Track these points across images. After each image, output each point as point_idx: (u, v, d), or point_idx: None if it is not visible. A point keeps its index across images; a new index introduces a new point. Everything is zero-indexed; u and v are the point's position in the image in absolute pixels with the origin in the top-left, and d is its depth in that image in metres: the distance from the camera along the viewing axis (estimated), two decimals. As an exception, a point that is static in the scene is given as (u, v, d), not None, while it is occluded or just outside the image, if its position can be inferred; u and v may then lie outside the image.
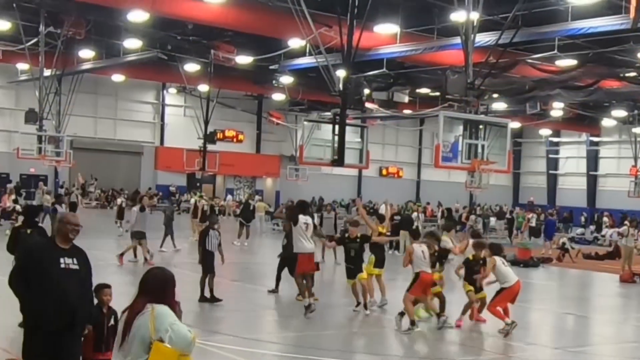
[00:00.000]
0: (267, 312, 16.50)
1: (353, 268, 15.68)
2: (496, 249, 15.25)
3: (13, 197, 38.23)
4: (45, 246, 7.28)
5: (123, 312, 5.58)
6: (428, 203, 56.88)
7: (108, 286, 8.82)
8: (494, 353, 13.44)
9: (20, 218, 18.37)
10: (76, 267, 7.15)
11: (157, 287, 5.54)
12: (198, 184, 54.26)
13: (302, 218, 15.20)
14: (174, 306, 5.51)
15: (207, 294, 16.33)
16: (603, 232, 46.34)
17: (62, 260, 7.07)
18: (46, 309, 6.92)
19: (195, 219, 32.37)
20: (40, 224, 14.40)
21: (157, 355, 5.21)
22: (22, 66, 43.11)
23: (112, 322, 8.32)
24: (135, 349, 5.32)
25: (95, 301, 8.21)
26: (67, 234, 7.22)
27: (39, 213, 17.02)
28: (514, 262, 28.73)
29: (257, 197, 42.82)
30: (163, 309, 5.39)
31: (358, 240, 15.69)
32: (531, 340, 14.77)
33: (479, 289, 15.43)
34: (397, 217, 30.70)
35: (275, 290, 17.92)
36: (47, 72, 38.14)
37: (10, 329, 13.30)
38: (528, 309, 19.55)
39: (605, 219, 52.60)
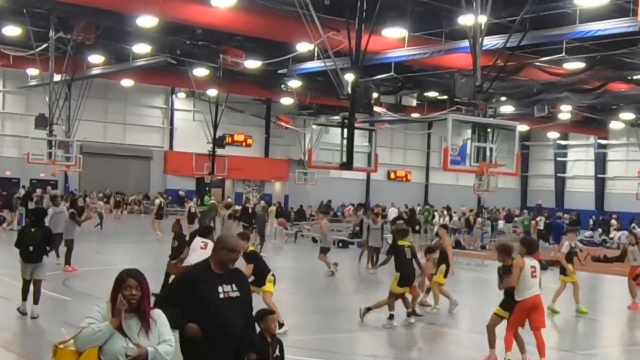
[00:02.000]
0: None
1: None
2: (530, 246, 12.21)
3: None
4: (201, 275, 6.33)
5: None
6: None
7: (272, 312, 8.17)
8: (502, 355, 13.48)
9: None
10: (236, 293, 6.34)
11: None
12: (207, 188, 54.39)
13: None
14: (114, 303, 5.67)
15: None
16: (612, 235, 46.28)
17: (220, 288, 6.26)
18: (207, 343, 6.14)
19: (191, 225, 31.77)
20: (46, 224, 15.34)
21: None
22: (32, 71, 43.44)
23: (277, 352, 7.72)
24: None
25: (258, 329, 7.41)
26: (227, 262, 6.40)
27: (45, 214, 17.35)
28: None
29: (262, 202, 42.91)
30: (97, 305, 5.79)
31: None
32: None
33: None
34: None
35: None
36: (57, 77, 38.39)
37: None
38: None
39: (613, 221, 52.53)
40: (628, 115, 48.87)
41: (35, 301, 13.93)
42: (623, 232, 43.46)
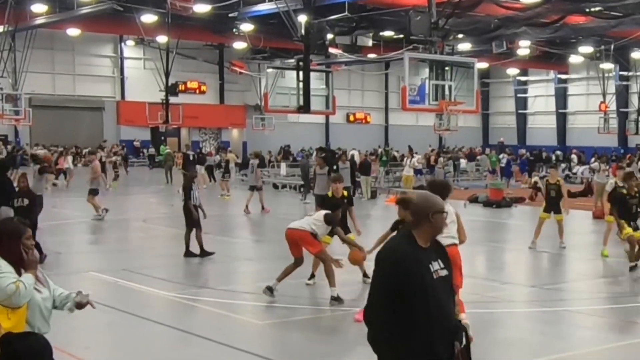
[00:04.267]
0: (243, 263, 16.11)
1: None
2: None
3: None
4: (411, 253, 4.85)
5: None
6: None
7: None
8: (470, 293, 13.11)
9: None
10: (445, 272, 4.98)
11: None
12: (163, 138, 53.51)
13: None
14: (15, 257, 5.27)
15: (192, 248, 15.83)
16: (574, 170, 46.39)
17: (430, 267, 4.89)
18: (432, 342, 4.79)
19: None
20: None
21: None
22: (-27, 23, 41.85)
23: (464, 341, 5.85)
24: None
25: None
26: (439, 230, 5.01)
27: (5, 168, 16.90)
28: (487, 203, 28.59)
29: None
30: None
31: None
32: (507, 279, 14.61)
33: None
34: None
35: None
36: (-1, 29, 37.07)
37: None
38: (502, 248, 19.38)
39: (573, 156, 52.70)
40: (587, 49, 48.68)
41: None
42: (586, 166, 43.57)
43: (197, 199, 16.15)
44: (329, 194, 13.31)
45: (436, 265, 4.88)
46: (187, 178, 17.27)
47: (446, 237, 8.85)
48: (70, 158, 37.98)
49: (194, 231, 15.92)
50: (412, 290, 4.71)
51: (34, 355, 5.18)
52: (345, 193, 13.35)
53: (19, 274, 5.20)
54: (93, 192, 22.82)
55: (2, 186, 15.01)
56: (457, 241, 9.32)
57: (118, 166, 39.85)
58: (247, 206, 25.20)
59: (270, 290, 11.93)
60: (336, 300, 11.69)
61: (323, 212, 12.38)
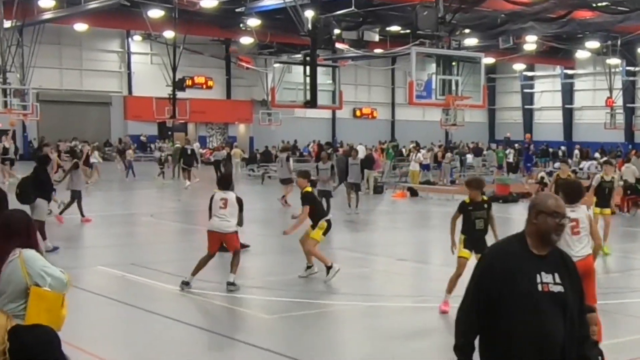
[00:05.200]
0: (251, 257, 16.10)
1: None
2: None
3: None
4: (515, 255, 4.37)
5: None
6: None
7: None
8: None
9: None
10: (559, 288, 4.35)
11: (23, 230, 5.39)
12: (170, 133, 53.57)
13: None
14: (38, 248, 5.42)
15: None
16: (581, 165, 46.33)
17: (538, 277, 4.32)
18: (515, 355, 4.30)
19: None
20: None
21: (39, 300, 5.17)
22: (-19, 19, 41.92)
23: None
24: (12, 295, 5.21)
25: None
26: (549, 234, 4.38)
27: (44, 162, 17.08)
28: (493, 198, 28.56)
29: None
30: (31, 253, 5.29)
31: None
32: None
33: None
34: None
35: None
36: (7, 24, 37.21)
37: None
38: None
39: (576, 151, 52.62)
40: (594, 44, 48.53)
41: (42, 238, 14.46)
42: (592, 162, 43.49)
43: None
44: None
45: (548, 278, 4.31)
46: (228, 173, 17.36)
47: (579, 249, 8.59)
48: (97, 153, 37.92)
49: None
50: (505, 297, 4.26)
51: (42, 346, 5.21)
52: (310, 189, 13.57)
53: None
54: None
55: (41, 180, 15.69)
56: (591, 250, 9.00)
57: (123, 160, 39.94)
58: (285, 199, 25.25)
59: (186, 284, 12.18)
60: (232, 285, 12.11)
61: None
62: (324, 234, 13.25)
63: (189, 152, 34.93)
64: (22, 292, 5.17)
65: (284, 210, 23.10)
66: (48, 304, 5.18)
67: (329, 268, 12.99)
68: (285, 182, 26.08)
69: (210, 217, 12.36)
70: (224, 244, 12.34)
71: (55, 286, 5.20)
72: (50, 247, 15.13)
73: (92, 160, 33.78)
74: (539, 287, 4.28)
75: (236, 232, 12.32)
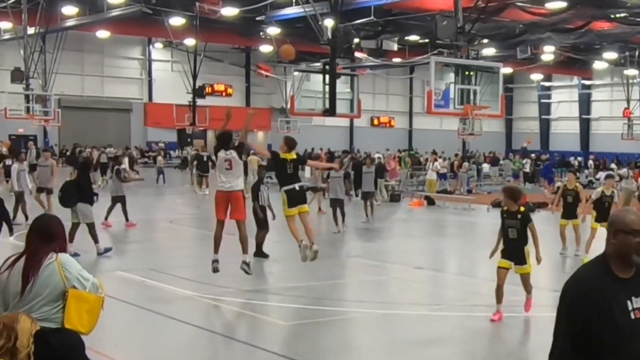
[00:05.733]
0: (267, 263, 16.29)
1: None
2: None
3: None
4: (601, 283, 3.90)
5: (14, 260, 5.39)
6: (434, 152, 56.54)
7: None
8: (491, 297, 13.29)
9: None
10: None
11: (60, 234, 5.55)
12: (189, 139, 53.93)
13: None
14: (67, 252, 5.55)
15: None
16: (597, 176, 46.23)
17: (629, 304, 3.88)
18: None
19: None
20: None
21: (80, 303, 5.29)
22: (5, 25, 42.28)
23: None
24: (47, 298, 5.29)
25: None
26: (630, 253, 3.93)
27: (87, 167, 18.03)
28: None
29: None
30: (67, 257, 5.43)
31: None
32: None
33: None
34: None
35: None
36: (30, 30, 37.55)
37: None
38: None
39: (590, 162, 52.50)
40: (611, 55, 48.48)
41: (94, 241, 16.08)
42: (608, 172, 43.39)
43: (265, 200, 16.45)
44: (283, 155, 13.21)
45: (638, 303, 3.87)
46: (256, 180, 17.51)
47: None
48: (126, 159, 38.03)
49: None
50: (600, 331, 3.80)
51: (67, 350, 5.29)
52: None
53: None
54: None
55: (81, 185, 16.33)
56: None
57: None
58: (319, 208, 25.82)
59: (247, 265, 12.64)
60: (247, 265, 12.55)
61: None
62: (290, 206, 12.68)
63: (205, 158, 35.10)
64: (59, 295, 5.27)
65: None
66: (89, 306, 5.31)
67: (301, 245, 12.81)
68: (314, 190, 26.31)
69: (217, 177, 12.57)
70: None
71: (93, 290, 5.36)
72: (102, 249, 16.12)
73: (122, 166, 33.76)
74: (632, 315, 3.84)
75: (242, 191, 12.41)
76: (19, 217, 20.19)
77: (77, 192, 16.04)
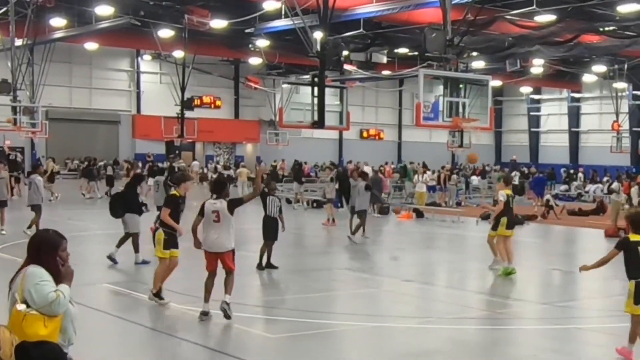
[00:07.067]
0: (254, 276, 16.19)
1: None
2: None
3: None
4: None
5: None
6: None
7: None
8: (480, 310, 13.25)
9: None
10: None
11: (33, 248, 5.53)
12: (177, 152, 53.81)
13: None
14: (53, 267, 5.43)
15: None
16: (587, 188, 46.36)
17: None
18: None
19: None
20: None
21: (14, 317, 5.28)
22: (-8, 36, 42.34)
23: None
24: (10, 309, 5.38)
25: None
26: None
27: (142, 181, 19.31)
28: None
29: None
30: (34, 269, 5.38)
31: None
32: (518, 296, 14.62)
33: None
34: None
35: None
36: (18, 42, 37.52)
37: None
38: (514, 265, 19.38)
39: (580, 174, 52.64)
40: (600, 68, 48.70)
41: (135, 250, 16.61)
42: (597, 185, 43.49)
43: (274, 211, 16.41)
44: (176, 192, 12.58)
45: None
46: (264, 191, 16.91)
47: None
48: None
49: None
50: None
51: None
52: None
53: (56, 284, 5.36)
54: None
55: (127, 196, 17.07)
56: None
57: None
58: (333, 219, 26.29)
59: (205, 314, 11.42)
60: (227, 305, 11.17)
61: None
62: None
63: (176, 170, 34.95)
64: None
65: (289, 230, 23.19)
66: (16, 321, 5.28)
67: None
68: (330, 201, 26.94)
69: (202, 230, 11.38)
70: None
71: (37, 302, 5.25)
72: (140, 259, 16.48)
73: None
74: None
75: (232, 250, 11.33)
76: None
77: (124, 204, 16.70)
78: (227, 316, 11.10)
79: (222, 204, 11.15)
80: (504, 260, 16.18)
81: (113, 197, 17.43)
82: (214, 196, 11.34)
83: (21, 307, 5.25)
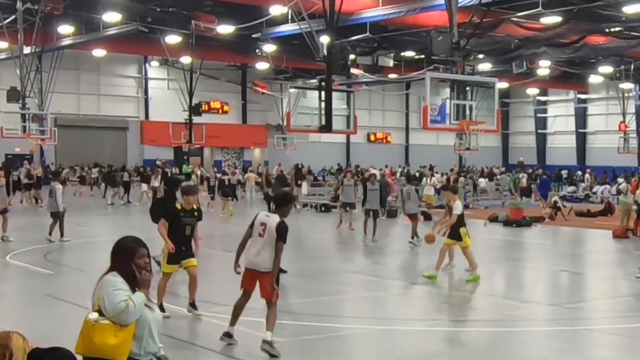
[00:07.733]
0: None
1: None
2: None
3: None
4: None
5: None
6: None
7: None
8: (489, 312, 13.30)
9: None
10: None
11: (111, 255, 5.60)
12: (185, 157, 53.98)
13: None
14: (129, 275, 5.45)
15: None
16: (594, 190, 46.25)
17: None
18: None
19: None
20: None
21: (83, 326, 5.30)
22: (1, 44, 42.47)
23: None
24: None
25: None
26: None
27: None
28: (507, 222, 28.66)
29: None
30: (110, 277, 5.43)
31: None
32: (526, 298, 14.62)
33: None
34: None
35: None
36: (26, 50, 37.76)
37: None
38: (522, 267, 19.43)
39: (587, 175, 52.55)
40: (607, 69, 48.70)
41: None
42: (605, 186, 43.40)
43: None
44: (178, 205, 12.17)
45: None
46: (269, 195, 17.94)
47: None
48: (159, 177, 37.87)
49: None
50: None
51: None
52: (195, 206, 12.12)
53: (133, 292, 5.39)
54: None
55: (164, 202, 17.35)
56: None
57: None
58: (350, 224, 25.55)
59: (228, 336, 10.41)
60: (269, 344, 9.74)
61: None
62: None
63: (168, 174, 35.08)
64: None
65: (297, 234, 23.27)
66: (85, 328, 5.33)
67: None
68: (351, 206, 25.98)
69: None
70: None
71: (108, 311, 5.27)
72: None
73: (155, 184, 33.27)
74: None
75: (272, 272, 9.80)
76: None
77: (163, 209, 16.47)
78: (273, 356, 9.64)
79: (273, 219, 9.77)
80: (451, 262, 16.81)
81: (153, 204, 17.67)
82: (272, 208, 10.17)
83: (93, 316, 5.30)
